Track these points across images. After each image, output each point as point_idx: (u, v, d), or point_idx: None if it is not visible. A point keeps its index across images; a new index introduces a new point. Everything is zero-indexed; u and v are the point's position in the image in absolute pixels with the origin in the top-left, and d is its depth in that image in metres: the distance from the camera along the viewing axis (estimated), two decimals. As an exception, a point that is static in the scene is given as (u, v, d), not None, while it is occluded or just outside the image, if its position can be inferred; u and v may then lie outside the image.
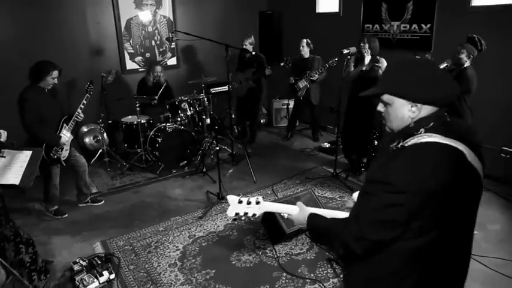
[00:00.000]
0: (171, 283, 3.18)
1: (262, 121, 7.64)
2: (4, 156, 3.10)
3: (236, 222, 4.03)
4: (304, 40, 6.01)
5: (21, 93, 3.79)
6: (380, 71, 4.50)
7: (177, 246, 3.68)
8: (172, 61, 6.85)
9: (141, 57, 6.50)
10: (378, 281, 1.50)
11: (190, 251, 3.60)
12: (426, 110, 1.39)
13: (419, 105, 1.38)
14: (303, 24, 7.00)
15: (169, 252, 3.60)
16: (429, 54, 4.75)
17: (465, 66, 3.90)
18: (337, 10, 6.44)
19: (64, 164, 4.08)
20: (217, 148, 4.65)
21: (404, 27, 5.47)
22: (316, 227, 1.64)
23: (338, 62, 5.22)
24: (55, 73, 3.83)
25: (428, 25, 5.15)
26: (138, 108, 5.29)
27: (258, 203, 1.79)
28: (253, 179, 4.97)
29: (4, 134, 2.92)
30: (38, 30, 5.44)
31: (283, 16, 7.32)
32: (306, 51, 6.04)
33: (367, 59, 4.60)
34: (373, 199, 1.37)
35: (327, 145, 6.12)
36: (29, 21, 5.37)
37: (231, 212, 1.77)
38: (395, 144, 1.44)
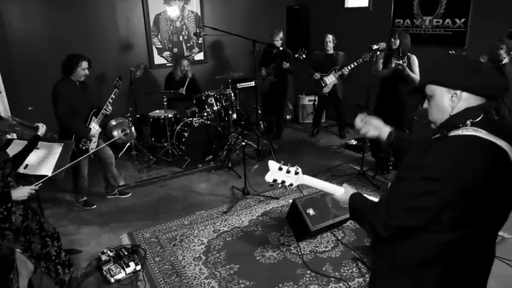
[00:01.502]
0: (196, 276, 3.21)
1: (288, 117, 7.60)
2: (38, 148, 3.20)
3: (270, 193, 4.03)
4: (330, 36, 5.92)
5: (54, 86, 3.91)
6: (407, 69, 4.37)
7: (202, 240, 3.71)
8: (200, 56, 6.89)
9: (168, 52, 6.56)
10: (403, 269, 1.48)
11: (214, 246, 3.62)
12: (466, 100, 1.37)
13: (458, 92, 1.36)
14: (331, 19, 6.90)
15: (194, 245, 3.63)
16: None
17: (503, 62, 3.75)
18: (366, 5, 6.32)
19: (92, 156, 4.18)
20: (243, 143, 4.65)
21: (436, 22, 5.30)
22: (353, 206, 1.61)
23: (367, 58, 5.12)
24: (84, 64, 3.92)
25: (463, 20, 4.97)
26: (165, 103, 5.35)
27: (296, 173, 1.80)
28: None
29: (43, 127, 2.97)
30: (70, 25, 5.58)
31: (311, 11, 7.23)
32: (331, 47, 5.96)
33: (397, 59, 4.47)
34: (406, 185, 1.36)
35: (353, 142, 6.03)
36: (62, 17, 5.52)
37: (269, 178, 1.79)
38: (437, 135, 1.42)
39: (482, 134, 1.31)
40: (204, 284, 3.12)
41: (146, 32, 6.28)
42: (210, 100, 5.56)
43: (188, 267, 3.32)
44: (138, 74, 5.79)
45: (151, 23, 6.28)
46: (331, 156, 5.73)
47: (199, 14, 6.64)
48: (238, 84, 6.63)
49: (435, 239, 1.37)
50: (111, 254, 3.38)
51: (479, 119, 1.34)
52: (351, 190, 1.71)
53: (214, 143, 5.46)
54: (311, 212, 3.60)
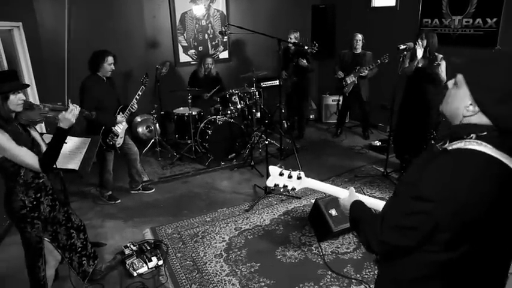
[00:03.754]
0: (216, 273, 3.22)
1: (311, 116, 7.54)
2: (66, 142, 3.27)
3: (293, 192, 4.01)
4: (360, 35, 5.84)
5: (82, 82, 4.00)
6: (439, 69, 4.27)
7: (223, 238, 3.72)
8: (224, 54, 6.91)
9: (194, 51, 6.61)
10: (402, 284, 1.40)
11: (236, 243, 3.63)
12: (481, 118, 1.21)
13: (476, 109, 1.20)
14: (357, 18, 6.80)
15: (215, 243, 3.65)
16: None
17: None
18: (394, 4, 6.20)
19: (118, 151, 4.25)
20: (266, 142, 4.64)
21: (466, 21, 5.15)
22: (353, 216, 1.53)
23: (393, 58, 5.01)
24: (110, 59, 3.99)
25: (495, 19, 4.81)
26: (189, 100, 5.39)
27: (299, 178, 1.77)
28: (300, 174, 4.91)
29: (77, 109, 2.75)
30: (98, 24, 5.70)
31: (337, 10, 7.15)
32: (359, 46, 5.87)
33: (419, 53, 4.36)
34: (400, 201, 1.29)
35: (377, 143, 5.93)
36: (90, 16, 5.64)
37: (270, 182, 1.79)
38: (440, 144, 1.31)
39: (487, 149, 1.17)
40: (225, 281, 3.13)
41: (172, 30, 6.34)
42: (234, 98, 5.58)
43: (209, 264, 3.34)
44: (164, 72, 5.86)
45: (178, 21, 6.34)
46: (354, 157, 5.66)
47: (224, 12, 6.66)
48: (262, 83, 6.63)
49: (431, 258, 1.27)
50: (134, 248, 3.44)
51: (485, 133, 1.19)
52: (354, 196, 1.63)
53: (237, 141, 5.47)
54: (333, 212, 3.56)
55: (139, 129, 6.11)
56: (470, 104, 1.21)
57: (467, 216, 1.16)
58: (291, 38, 5.81)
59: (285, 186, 1.78)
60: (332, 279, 3.12)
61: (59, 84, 5.46)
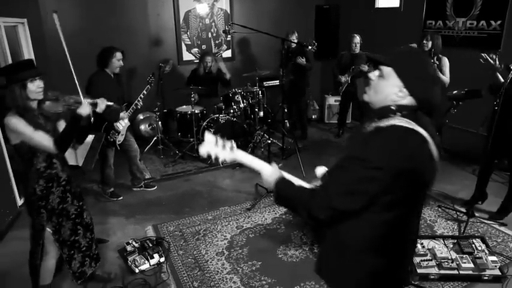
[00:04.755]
0: (218, 271, 3.23)
1: (313, 116, 7.55)
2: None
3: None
4: (358, 37, 5.85)
5: (89, 78, 4.02)
6: (439, 70, 4.27)
7: (225, 236, 3.73)
8: (228, 53, 6.92)
9: (197, 49, 6.62)
10: (346, 248, 1.58)
11: (237, 242, 3.63)
12: (408, 100, 1.46)
13: (406, 93, 1.45)
14: (360, 19, 6.80)
15: (217, 241, 3.66)
16: (497, 54, 4.36)
17: None
18: (397, 5, 6.20)
19: (118, 148, 4.26)
20: (269, 141, 4.65)
21: (470, 23, 5.15)
22: (283, 190, 1.62)
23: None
24: (118, 54, 4.02)
25: (499, 22, 4.81)
26: (192, 99, 5.40)
27: (231, 148, 1.79)
28: (302, 174, 4.92)
29: (103, 103, 2.93)
30: (102, 21, 5.71)
31: (341, 10, 7.15)
32: (358, 48, 5.88)
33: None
34: (347, 173, 1.44)
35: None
36: (94, 12, 5.65)
37: (203, 150, 1.79)
38: (371, 124, 1.49)
39: (409, 124, 1.41)
40: (226, 279, 3.14)
41: (176, 29, 6.35)
42: (237, 97, 5.58)
43: (211, 262, 3.35)
44: (167, 70, 5.87)
45: (181, 20, 6.35)
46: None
47: (228, 11, 6.67)
48: (265, 82, 6.63)
49: (374, 218, 1.46)
50: (136, 245, 3.45)
51: (407, 112, 1.45)
52: (278, 172, 1.71)
53: (239, 140, 5.47)
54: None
55: (142, 127, 6.12)
56: (400, 91, 1.45)
57: (407, 179, 1.40)
58: (292, 39, 5.81)
59: (216, 158, 1.79)
60: (333, 279, 3.12)
61: (63, 81, 5.46)
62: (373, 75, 1.53)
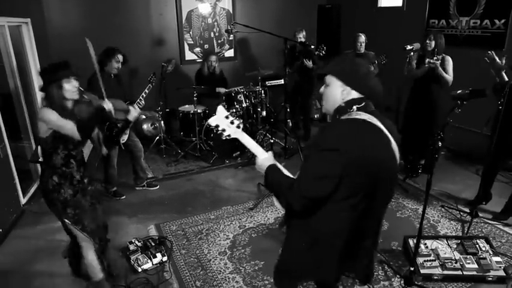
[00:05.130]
0: (220, 271, 3.22)
1: (316, 116, 7.53)
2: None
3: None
4: (363, 36, 5.79)
5: (90, 77, 4.01)
6: (440, 68, 4.24)
7: (228, 235, 3.72)
8: (230, 53, 6.91)
9: (199, 49, 6.61)
10: (316, 238, 1.75)
11: (240, 241, 3.63)
12: (354, 94, 1.68)
13: (347, 89, 1.67)
14: (363, 18, 6.78)
15: (219, 240, 3.65)
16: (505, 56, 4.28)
17: None
18: (400, 4, 6.18)
19: (122, 147, 4.26)
20: (272, 141, 4.63)
21: (474, 22, 5.13)
22: (271, 176, 1.79)
23: (399, 59, 4.99)
24: (119, 57, 4.06)
25: (503, 20, 4.79)
26: (195, 98, 5.39)
27: (238, 127, 1.91)
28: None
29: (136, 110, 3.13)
30: (105, 20, 5.71)
31: (343, 10, 7.13)
32: (363, 47, 5.84)
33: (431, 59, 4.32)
34: (310, 161, 1.65)
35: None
36: (97, 12, 5.65)
37: (212, 121, 1.92)
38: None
39: (365, 116, 1.62)
40: (229, 278, 3.13)
41: (178, 28, 6.35)
42: (239, 97, 5.58)
43: (213, 261, 3.34)
44: (170, 69, 5.86)
45: (184, 19, 6.35)
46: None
47: (230, 11, 6.66)
48: (267, 82, 6.61)
49: (338, 208, 1.65)
50: (138, 244, 3.45)
51: (363, 104, 1.66)
52: (272, 160, 1.86)
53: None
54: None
55: (145, 126, 6.11)
56: (344, 90, 1.68)
57: (363, 162, 1.56)
58: (299, 38, 5.77)
59: (223, 130, 1.90)
60: (336, 279, 3.11)
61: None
62: (322, 89, 1.78)
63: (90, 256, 2.76)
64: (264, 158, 1.87)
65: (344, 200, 1.63)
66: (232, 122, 1.89)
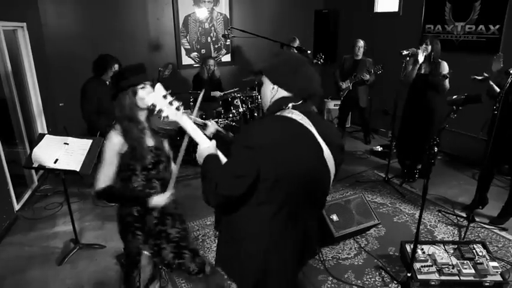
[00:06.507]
0: (216, 277, 3.18)
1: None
2: (68, 143, 3.25)
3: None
4: (362, 41, 5.80)
5: (84, 84, 3.98)
6: (441, 76, 4.25)
7: (224, 241, 3.68)
8: (227, 58, 6.91)
9: (196, 53, 6.60)
10: (236, 241, 1.67)
11: (236, 247, 3.59)
12: (282, 92, 1.61)
13: (275, 86, 1.61)
14: (360, 23, 6.80)
15: (215, 246, 3.61)
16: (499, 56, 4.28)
17: None
18: (396, 10, 6.19)
19: None
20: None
21: (469, 28, 5.14)
22: (203, 166, 1.64)
23: (396, 64, 5.00)
24: (116, 66, 4.00)
25: (497, 26, 4.81)
26: (191, 103, 5.37)
27: (177, 109, 1.75)
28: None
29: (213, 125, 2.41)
30: (101, 24, 5.69)
31: (340, 15, 7.15)
32: (361, 53, 5.85)
33: (421, 58, 4.32)
34: (231, 157, 1.56)
35: (379, 148, 5.90)
36: (94, 16, 5.62)
37: (149, 100, 1.75)
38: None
39: (295, 115, 1.54)
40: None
41: (175, 33, 6.33)
42: (236, 102, 5.56)
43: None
44: (166, 74, 5.83)
45: (181, 24, 6.34)
46: (355, 162, 5.63)
47: (227, 16, 6.66)
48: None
49: (258, 213, 1.56)
50: (134, 250, 3.39)
51: (299, 103, 1.59)
52: (213, 150, 1.69)
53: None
54: (334, 217, 3.53)
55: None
56: (273, 88, 1.62)
57: (282, 165, 1.48)
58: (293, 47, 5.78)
59: (160, 111, 1.74)
60: (333, 285, 3.08)
61: (63, 84, 5.45)
62: (259, 87, 1.78)
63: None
64: (206, 147, 1.70)
65: (259, 205, 1.54)
66: (171, 103, 1.73)
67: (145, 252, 2.41)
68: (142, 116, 2.21)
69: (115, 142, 2.13)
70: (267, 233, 1.61)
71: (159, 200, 2.21)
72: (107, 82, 4.05)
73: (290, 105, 1.57)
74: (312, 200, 1.66)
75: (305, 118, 1.55)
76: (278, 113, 1.58)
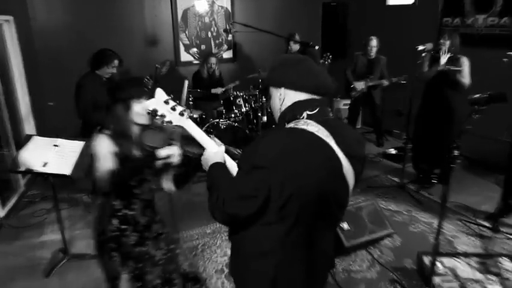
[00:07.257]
0: (217, 291, 3.12)
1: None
2: (58, 145, 3.20)
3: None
4: (375, 40, 5.71)
5: (79, 80, 3.95)
6: (460, 74, 4.17)
7: (225, 251, 3.62)
8: (228, 54, 6.85)
9: (196, 49, 6.55)
10: (246, 258, 1.62)
11: (238, 258, 3.52)
12: (290, 95, 1.55)
13: (281, 90, 1.56)
14: (371, 16, 6.73)
15: (216, 257, 3.55)
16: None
17: None
18: (412, 1, 6.11)
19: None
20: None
21: (491, 20, 5.06)
22: (210, 176, 1.63)
23: (411, 60, 4.91)
24: (116, 62, 3.98)
25: (523, 18, 4.72)
26: (191, 102, 5.32)
27: (181, 114, 1.75)
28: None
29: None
30: (97, 19, 5.66)
31: (349, 8, 7.08)
32: (374, 52, 5.78)
33: (444, 58, 4.24)
34: (240, 173, 1.54)
35: (393, 151, 5.82)
36: (88, 11, 5.59)
37: (149, 105, 1.75)
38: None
39: (310, 127, 1.46)
40: (226, 300, 3.03)
41: (173, 27, 6.29)
42: (239, 101, 5.50)
43: (210, 280, 3.24)
44: (164, 71, 5.78)
45: (179, 18, 6.29)
46: (367, 166, 5.54)
47: (229, 9, 6.60)
48: (269, 85, 6.54)
49: (268, 232, 1.50)
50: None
51: (315, 111, 1.51)
52: (220, 156, 1.69)
53: (242, 147, 5.38)
54: (345, 226, 3.46)
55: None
56: (280, 94, 1.57)
57: (295, 184, 1.41)
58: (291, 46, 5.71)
59: (162, 116, 1.75)
60: (344, 301, 3.01)
61: (53, 82, 5.41)
62: (268, 101, 1.70)
63: None
64: (213, 152, 1.70)
65: (270, 224, 1.49)
66: (174, 108, 1.73)
67: (124, 275, 2.31)
68: (135, 130, 2.21)
69: (106, 143, 2.13)
70: (278, 252, 1.54)
71: (167, 152, 2.17)
72: (103, 78, 4.01)
73: (305, 114, 1.51)
74: (327, 218, 1.60)
75: (322, 129, 1.47)
76: (292, 124, 1.51)
